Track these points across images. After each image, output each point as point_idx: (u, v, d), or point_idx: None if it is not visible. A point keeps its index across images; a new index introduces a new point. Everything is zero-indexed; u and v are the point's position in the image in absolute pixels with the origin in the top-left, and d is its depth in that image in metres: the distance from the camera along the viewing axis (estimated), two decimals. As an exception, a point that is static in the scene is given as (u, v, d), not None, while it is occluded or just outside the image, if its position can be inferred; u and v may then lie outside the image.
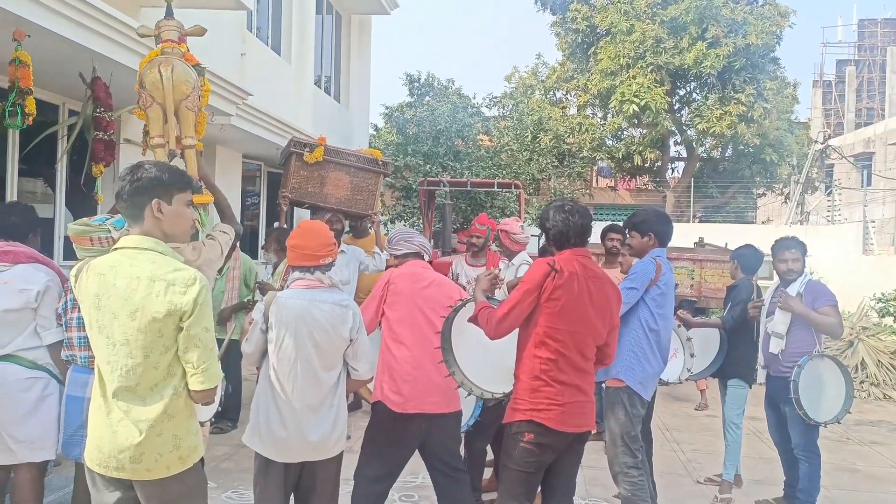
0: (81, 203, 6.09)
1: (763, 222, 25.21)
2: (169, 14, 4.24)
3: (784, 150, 20.57)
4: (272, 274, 6.10)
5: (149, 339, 2.32)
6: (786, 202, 23.53)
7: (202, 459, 2.58)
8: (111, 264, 2.39)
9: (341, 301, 3.25)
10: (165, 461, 2.37)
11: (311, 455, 3.17)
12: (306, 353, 3.14)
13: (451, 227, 11.77)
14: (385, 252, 6.51)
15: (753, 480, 5.40)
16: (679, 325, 4.85)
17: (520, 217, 11.39)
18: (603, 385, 4.23)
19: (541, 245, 5.70)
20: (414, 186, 14.86)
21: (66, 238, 4.55)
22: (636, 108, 18.78)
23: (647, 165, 21.84)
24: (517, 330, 3.20)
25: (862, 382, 8.96)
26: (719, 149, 21.61)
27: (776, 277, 4.96)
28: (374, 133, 18.92)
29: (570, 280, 3.10)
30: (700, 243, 10.83)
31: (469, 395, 3.54)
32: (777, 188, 23.18)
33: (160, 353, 2.34)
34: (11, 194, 5.75)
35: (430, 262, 7.63)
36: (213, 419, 3.41)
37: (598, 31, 20.36)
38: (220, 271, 6.11)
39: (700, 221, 20.17)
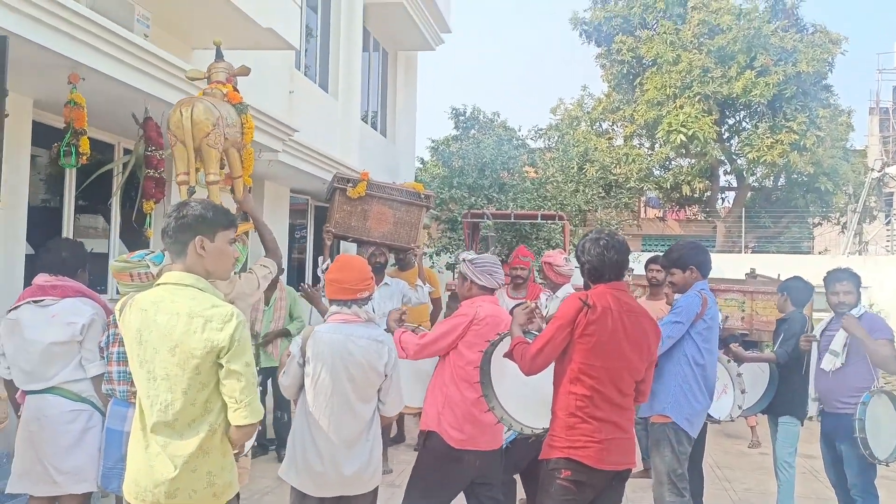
0: (135, 238, 6.29)
1: (820, 252, 24.48)
2: (219, 56, 4.39)
3: (839, 179, 20.03)
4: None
5: (187, 374, 2.35)
6: (843, 232, 22.84)
7: (238, 495, 2.59)
8: (153, 300, 2.44)
9: (377, 336, 3.27)
10: (200, 497, 2.38)
11: (347, 489, 3.16)
12: (342, 388, 3.16)
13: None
14: (427, 284, 6.54)
15: (809, 522, 5.18)
16: (730, 361, 4.72)
17: (564, 249, 11.31)
18: (649, 421, 4.14)
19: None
20: (459, 219, 14.91)
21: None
22: (684, 138, 18.57)
23: (696, 195, 21.53)
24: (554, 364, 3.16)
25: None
26: (771, 178, 21.18)
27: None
28: (420, 166, 19.11)
29: (603, 315, 3.05)
30: (751, 274, 10.57)
31: (509, 430, 3.50)
32: (833, 217, 22.54)
33: (198, 390, 2.37)
34: (68, 229, 5.97)
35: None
36: (249, 452, 3.44)
37: (644, 61, 20.29)
38: (267, 302, 6.27)
39: (753, 252, 19.71)
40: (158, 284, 2.51)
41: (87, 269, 3.94)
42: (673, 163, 21.19)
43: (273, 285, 6.22)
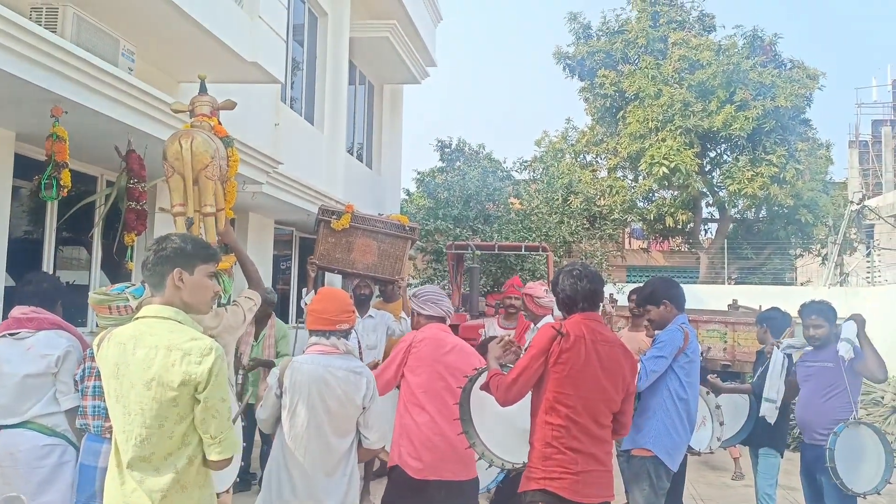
0: (116, 271, 6.27)
1: (802, 284, 24.68)
2: (202, 90, 4.44)
3: (819, 211, 20.30)
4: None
5: (164, 408, 2.34)
6: (823, 263, 23.07)
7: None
8: (132, 334, 2.44)
9: (355, 368, 3.27)
10: None
11: (324, 525, 3.13)
12: (318, 420, 3.14)
13: (480, 291, 11.76)
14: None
15: (792, 555, 5.16)
16: (708, 393, 4.75)
17: (548, 281, 11.36)
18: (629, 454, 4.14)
19: None
20: (445, 250, 14.97)
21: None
22: (666, 171, 18.78)
23: (679, 227, 21.70)
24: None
25: (908, 451, 8.56)
26: (753, 210, 21.41)
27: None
28: (406, 198, 19.21)
29: (576, 343, 3.07)
30: (734, 306, 10.66)
31: (490, 466, 3.49)
32: (814, 249, 22.79)
33: (175, 423, 2.35)
34: (49, 261, 5.94)
35: (458, 326, 7.63)
36: (230, 488, 3.41)
37: (627, 95, 20.59)
38: (256, 337, 6.23)
39: (736, 283, 19.84)
40: (137, 318, 2.51)
41: (61, 303, 3.92)
42: (656, 195, 21.40)
43: (264, 320, 6.20)
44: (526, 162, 21.59)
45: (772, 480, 4.92)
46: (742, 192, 19.01)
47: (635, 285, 6.36)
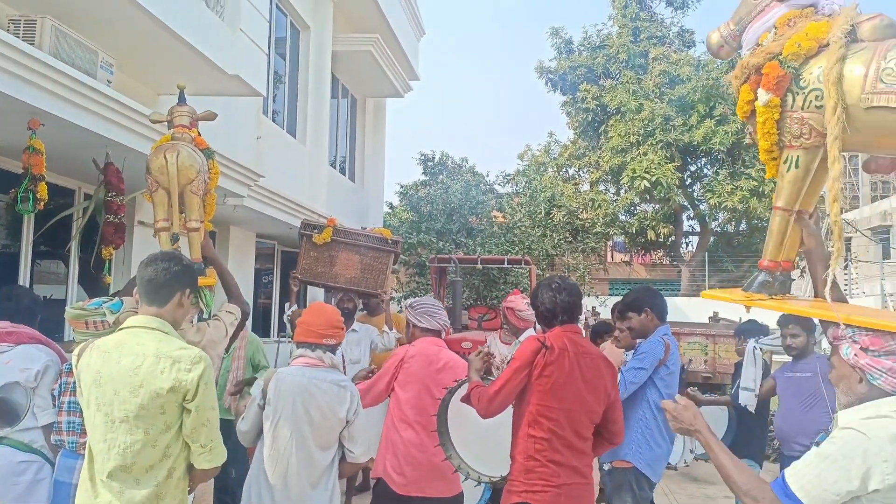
0: (93, 284, 6.20)
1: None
2: (181, 100, 4.41)
3: (798, 224, 20.56)
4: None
5: (150, 415, 2.35)
6: (802, 276, 23.32)
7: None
8: (117, 342, 2.47)
9: (340, 381, 3.25)
10: None
11: (303, 540, 3.10)
12: (302, 431, 3.12)
13: (462, 305, 11.76)
14: (394, 330, 6.52)
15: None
16: (685, 405, 4.76)
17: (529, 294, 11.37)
18: (604, 466, 4.14)
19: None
20: (427, 264, 14.97)
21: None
22: (647, 184, 18.96)
23: (660, 240, 21.88)
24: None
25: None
26: (733, 223, 21.65)
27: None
28: (389, 211, 19.20)
29: (560, 356, 3.08)
30: (714, 318, 10.72)
31: (466, 479, 3.47)
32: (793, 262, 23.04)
33: (160, 431, 2.36)
34: (25, 274, 5.87)
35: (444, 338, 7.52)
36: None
37: (608, 109, 20.80)
38: (227, 349, 6.15)
39: (717, 295, 20.00)
40: (122, 328, 2.54)
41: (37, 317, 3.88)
42: (638, 208, 21.58)
43: (236, 332, 6.11)
44: (509, 175, 21.67)
45: (752, 492, 4.94)
46: (722, 206, 19.22)
47: (617, 298, 6.38)
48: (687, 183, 21.36)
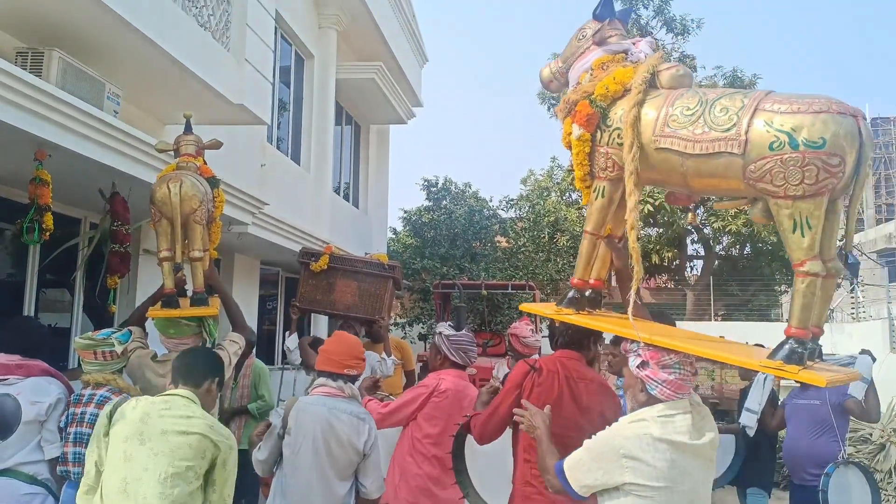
0: (99, 314, 6.20)
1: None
2: (188, 129, 4.45)
3: (803, 247, 20.49)
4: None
5: (179, 477, 2.57)
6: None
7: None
8: (160, 407, 2.72)
9: (359, 413, 3.25)
10: None
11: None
12: (321, 461, 3.12)
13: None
14: (392, 357, 6.50)
15: None
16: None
17: (532, 320, 11.33)
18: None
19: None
20: (431, 289, 14.97)
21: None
22: (651, 208, 18.97)
23: (665, 264, 21.82)
24: None
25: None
26: (737, 246, 21.59)
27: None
28: (393, 237, 19.23)
29: (548, 378, 3.05)
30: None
31: None
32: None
33: (176, 485, 2.54)
34: (30, 304, 5.88)
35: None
36: None
37: (611, 134, 20.87)
38: (234, 379, 6.14)
39: (722, 319, 19.89)
40: (170, 394, 2.78)
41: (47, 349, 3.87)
42: (641, 232, 21.55)
43: (241, 361, 6.09)
44: (512, 200, 21.71)
45: (762, 521, 4.88)
46: (726, 229, 19.19)
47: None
48: (690, 207, 21.36)
